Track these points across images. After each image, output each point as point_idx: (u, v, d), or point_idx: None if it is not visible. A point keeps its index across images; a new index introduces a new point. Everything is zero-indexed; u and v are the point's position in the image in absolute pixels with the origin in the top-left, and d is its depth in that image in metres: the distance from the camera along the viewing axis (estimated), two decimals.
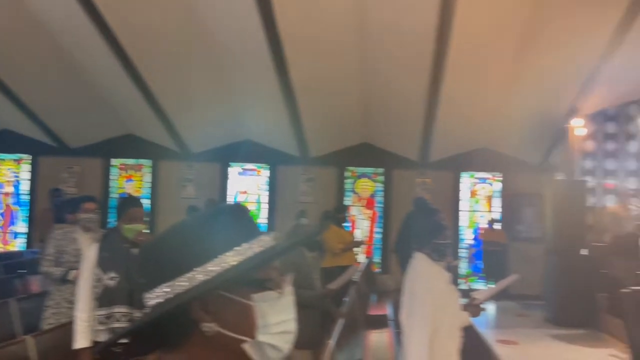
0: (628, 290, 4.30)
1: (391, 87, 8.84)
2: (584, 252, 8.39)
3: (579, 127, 9.04)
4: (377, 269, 10.54)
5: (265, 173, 11.27)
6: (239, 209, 0.98)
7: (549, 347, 6.75)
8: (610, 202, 9.35)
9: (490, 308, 9.49)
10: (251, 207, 10.86)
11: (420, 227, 3.04)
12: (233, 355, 0.87)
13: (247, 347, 0.86)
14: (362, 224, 11.11)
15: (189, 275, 0.86)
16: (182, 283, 0.86)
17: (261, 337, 0.87)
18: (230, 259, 0.87)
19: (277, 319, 0.89)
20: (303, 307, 4.00)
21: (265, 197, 11.20)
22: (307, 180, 10.93)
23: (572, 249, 8.26)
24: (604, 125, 9.62)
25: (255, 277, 0.89)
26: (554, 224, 8.50)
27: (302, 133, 9.94)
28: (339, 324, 3.78)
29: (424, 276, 2.77)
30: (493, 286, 3.06)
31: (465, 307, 2.98)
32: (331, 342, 3.23)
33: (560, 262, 8.25)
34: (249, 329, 0.87)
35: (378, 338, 5.14)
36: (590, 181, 9.44)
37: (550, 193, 8.74)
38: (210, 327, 0.85)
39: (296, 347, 3.32)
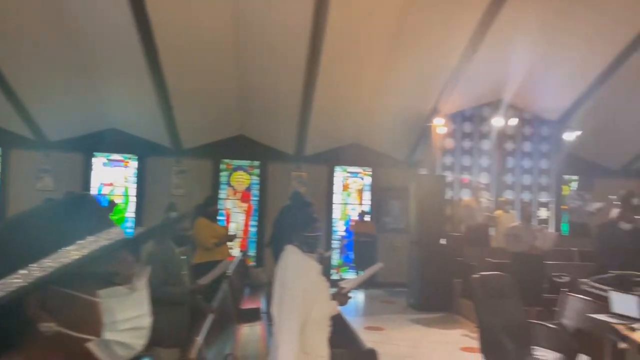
0: (477, 276, 4.72)
1: (267, 81, 8.82)
2: (442, 241, 9.11)
3: (440, 126, 9.77)
4: (251, 263, 10.50)
5: (133, 164, 10.66)
6: (86, 200, 0.93)
7: (411, 331, 7.23)
8: (465, 196, 10.24)
9: (360, 296, 9.94)
10: (118, 200, 10.22)
11: (292, 220, 3.06)
12: (76, 355, 0.82)
13: (92, 346, 0.82)
14: (237, 218, 11.00)
15: (23, 271, 0.79)
16: (16, 280, 0.79)
17: (107, 335, 0.83)
18: (72, 253, 0.82)
19: (126, 315, 0.86)
20: (171, 304, 3.81)
21: (133, 190, 10.60)
22: (179, 173, 10.53)
23: (432, 239, 8.93)
24: (461, 125, 10.50)
25: (102, 272, 0.85)
26: (417, 216, 9.12)
27: (173, 123, 9.55)
28: (209, 320, 3.68)
29: (294, 268, 2.79)
30: (359, 275, 3.18)
31: (334, 297, 3.05)
32: (199, 339, 3.13)
33: (422, 251, 8.87)
34: (94, 326, 0.83)
35: (250, 331, 5.11)
36: (449, 176, 10.26)
37: (414, 187, 9.35)
38: (48, 326, 0.79)
39: (163, 346, 3.14)
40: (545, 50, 8.30)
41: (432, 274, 8.63)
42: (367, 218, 10.99)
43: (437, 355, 6.00)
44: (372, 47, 8.16)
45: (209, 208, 6.28)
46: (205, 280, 4.29)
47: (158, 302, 3.75)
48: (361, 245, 10.59)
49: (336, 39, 7.51)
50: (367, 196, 11.49)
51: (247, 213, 11.03)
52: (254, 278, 8.62)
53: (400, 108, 9.61)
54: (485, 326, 4.33)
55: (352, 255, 11.01)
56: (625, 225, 6.03)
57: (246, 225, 11.00)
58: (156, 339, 4.10)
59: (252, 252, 10.89)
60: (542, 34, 7.94)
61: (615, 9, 7.43)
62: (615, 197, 8.57)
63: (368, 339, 6.38)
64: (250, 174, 11.11)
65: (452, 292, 8.59)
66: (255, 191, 11.06)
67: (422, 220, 9.00)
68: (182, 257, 4.37)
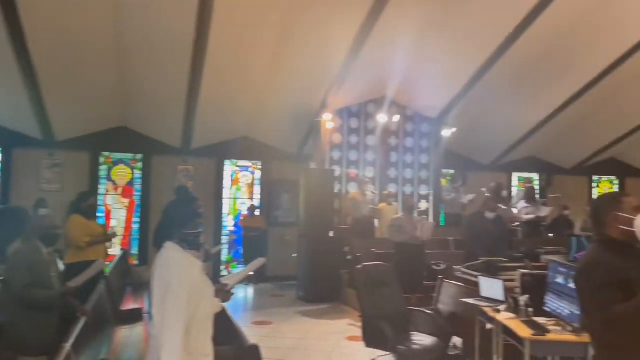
0: (360, 266, 4.88)
1: (151, 70, 8.39)
2: (331, 234, 9.32)
3: (328, 121, 9.96)
4: (134, 261, 9.98)
5: None
6: None
7: (299, 323, 7.30)
8: (352, 189, 10.55)
9: (249, 291, 9.88)
10: None
11: (172, 217, 2.92)
12: None
13: None
14: (118, 214, 10.38)
15: None
16: None
17: None
18: None
19: None
20: (38, 308, 3.49)
21: None
22: (52, 166, 9.69)
23: (321, 232, 9.09)
24: (348, 120, 10.79)
25: None
26: (307, 209, 9.24)
27: (44, 113, 8.76)
28: (80, 324, 3.41)
29: (175, 267, 2.65)
30: (241, 271, 3.12)
31: (216, 294, 2.97)
32: (67, 345, 2.88)
33: (311, 244, 9.00)
34: None
35: (130, 333, 4.83)
36: (337, 170, 10.51)
37: (304, 181, 9.46)
38: None
39: (29, 354, 2.85)
40: (424, 51, 8.75)
41: (320, 266, 8.79)
42: (257, 212, 10.93)
43: (323, 346, 6.11)
44: (260, 40, 8.08)
45: (83, 204, 5.83)
46: (76, 282, 3.97)
47: (23, 307, 3.40)
48: (251, 240, 10.52)
49: (223, 30, 7.33)
50: (257, 190, 11.42)
51: (130, 209, 10.45)
52: (137, 277, 8.20)
53: (290, 102, 9.65)
54: (367, 314, 4.47)
55: (241, 251, 10.90)
56: (490, 215, 6.59)
57: (128, 222, 10.43)
58: (20, 347, 3.73)
59: (135, 250, 10.36)
60: (420, 37, 8.35)
61: (484, 18, 8.01)
62: (485, 189, 9.33)
63: (256, 334, 6.36)
64: (133, 168, 10.53)
65: (340, 283, 8.82)
66: (138, 186, 10.51)
67: (312, 213, 9.14)
68: (52, 258, 4.02)
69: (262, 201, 11.32)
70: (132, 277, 7.98)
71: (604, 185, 13.76)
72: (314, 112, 9.89)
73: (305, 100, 9.66)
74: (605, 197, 2.70)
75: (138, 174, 10.52)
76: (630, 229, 2.26)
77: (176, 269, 2.60)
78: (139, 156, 10.50)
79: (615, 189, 13.51)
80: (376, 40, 8.04)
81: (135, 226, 10.43)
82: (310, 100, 9.68)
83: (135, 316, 5.39)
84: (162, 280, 2.60)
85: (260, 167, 11.41)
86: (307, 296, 8.84)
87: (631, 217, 2.27)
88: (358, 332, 5.88)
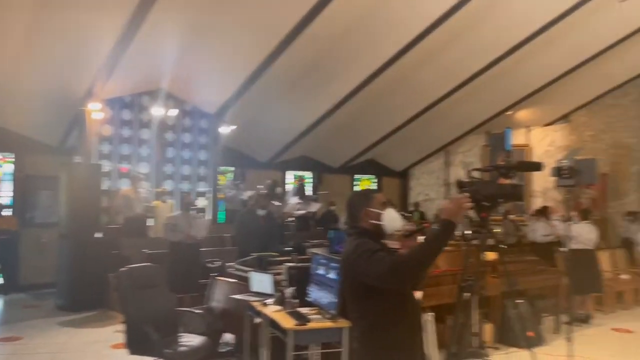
0: (125, 269, 4.53)
1: None
2: (98, 235, 8.53)
3: (96, 111, 9.06)
4: None
5: None
6: None
7: (57, 335, 6.50)
8: (124, 185, 9.83)
9: None
10: None
11: None
12: None
13: None
14: None
15: None
16: None
17: None
18: None
19: None
20: None
21: None
22: None
23: (86, 233, 8.26)
24: (120, 112, 10.01)
25: None
26: (69, 208, 8.31)
27: None
28: None
29: None
30: None
31: None
32: None
33: (74, 246, 8.13)
34: None
35: None
36: (107, 165, 9.69)
37: (66, 176, 8.47)
38: None
39: None
40: (198, 47, 8.53)
41: (85, 270, 7.99)
42: (6, 212, 9.45)
43: (83, 358, 5.54)
44: (8, 18, 6.96)
45: None
46: None
47: None
48: None
49: None
50: (7, 187, 9.87)
51: None
52: None
53: (48, 89, 8.45)
54: (131, 319, 4.18)
55: None
56: (261, 211, 6.82)
57: None
58: None
59: None
60: (193, 33, 8.09)
61: (260, 19, 8.16)
62: (261, 186, 9.63)
63: (1, 353, 5.46)
64: None
65: (107, 288, 8.13)
66: None
67: (75, 212, 8.24)
68: None
69: (14, 199, 9.83)
70: None
71: (365, 183, 15.45)
72: (78, 101, 8.90)
73: (67, 88, 8.61)
74: (358, 194, 2.94)
75: None
76: (379, 222, 2.48)
77: None
78: None
79: (374, 186, 15.30)
80: (147, 31, 7.52)
81: None
82: (73, 87, 8.67)
83: None
84: None
85: (12, 159, 9.89)
86: (67, 304, 7.96)
87: (379, 211, 2.49)
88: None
